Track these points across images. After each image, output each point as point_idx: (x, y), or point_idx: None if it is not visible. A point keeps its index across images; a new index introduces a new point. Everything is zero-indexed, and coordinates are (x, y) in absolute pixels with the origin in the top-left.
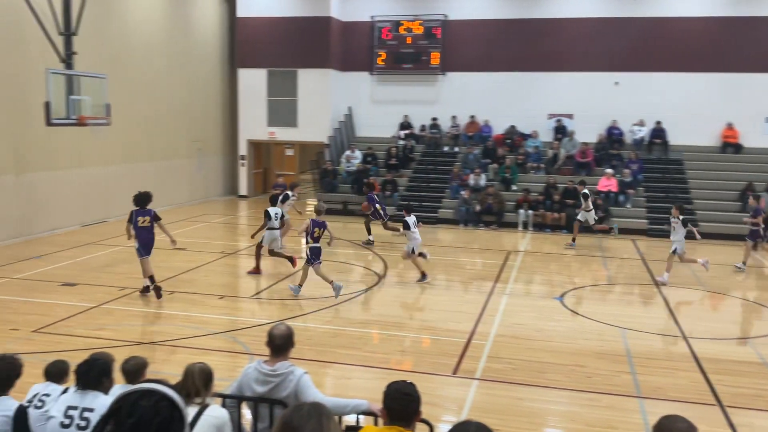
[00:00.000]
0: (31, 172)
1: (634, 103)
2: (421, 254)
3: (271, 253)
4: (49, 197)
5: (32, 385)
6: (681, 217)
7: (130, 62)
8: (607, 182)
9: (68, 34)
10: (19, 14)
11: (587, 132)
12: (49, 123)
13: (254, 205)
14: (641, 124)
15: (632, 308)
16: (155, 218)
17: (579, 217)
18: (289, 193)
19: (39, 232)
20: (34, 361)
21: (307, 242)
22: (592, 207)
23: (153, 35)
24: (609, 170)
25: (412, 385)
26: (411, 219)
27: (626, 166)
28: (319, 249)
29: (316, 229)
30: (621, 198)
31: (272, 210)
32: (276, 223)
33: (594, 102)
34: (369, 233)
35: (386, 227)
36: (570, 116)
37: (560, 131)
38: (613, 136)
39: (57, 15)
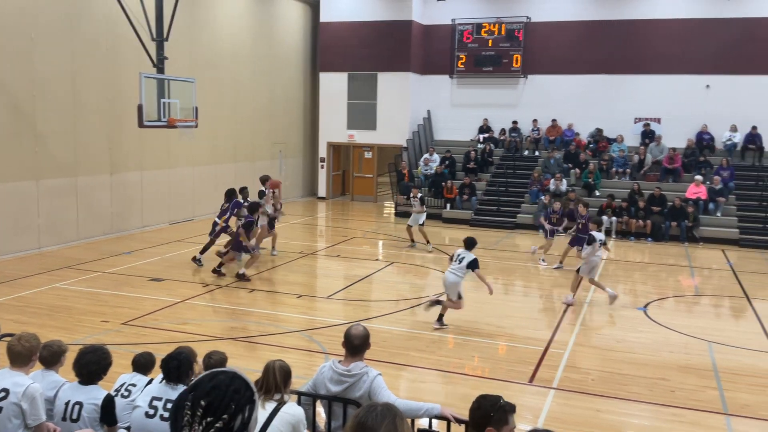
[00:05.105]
0: (123, 172)
1: (726, 108)
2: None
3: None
4: (140, 196)
5: (120, 374)
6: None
7: (217, 67)
8: (696, 189)
9: (160, 39)
10: (116, 21)
11: (676, 137)
12: (141, 125)
13: (333, 206)
14: (734, 129)
15: (720, 321)
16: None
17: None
18: (263, 188)
19: (130, 228)
20: (122, 352)
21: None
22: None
23: (239, 41)
24: (698, 177)
25: (490, 398)
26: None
27: (716, 173)
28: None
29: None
30: (711, 206)
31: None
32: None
33: (683, 106)
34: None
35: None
36: (657, 120)
37: (647, 136)
38: (703, 142)
39: (150, 22)
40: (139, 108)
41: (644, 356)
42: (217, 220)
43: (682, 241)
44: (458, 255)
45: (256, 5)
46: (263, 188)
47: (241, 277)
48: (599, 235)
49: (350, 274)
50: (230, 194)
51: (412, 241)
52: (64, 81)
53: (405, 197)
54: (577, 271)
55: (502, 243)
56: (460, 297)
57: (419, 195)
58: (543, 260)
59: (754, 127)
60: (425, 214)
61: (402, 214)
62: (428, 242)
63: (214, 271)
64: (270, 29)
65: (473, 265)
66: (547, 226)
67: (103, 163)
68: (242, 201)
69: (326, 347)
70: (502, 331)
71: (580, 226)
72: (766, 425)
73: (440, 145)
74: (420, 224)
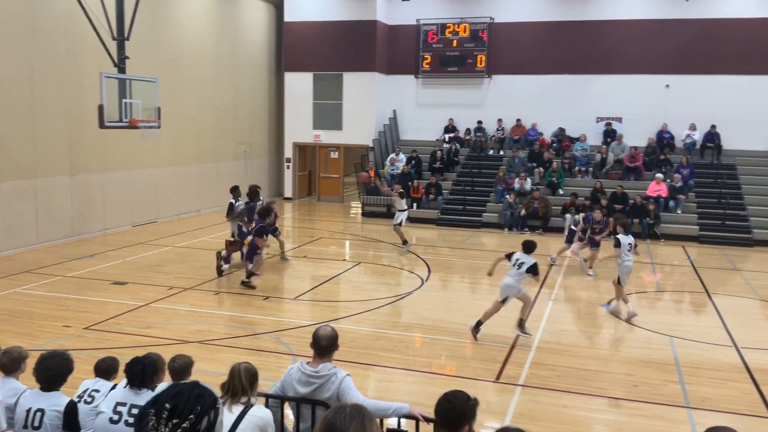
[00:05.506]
0: (84, 174)
1: (686, 107)
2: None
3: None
4: (102, 198)
5: (82, 380)
6: None
7: (180, 66)
8: (657, 187)
9: (121, 39)
10: (75, 20)
11: (637, 136)
12: (102, 125)
13: (299, 207)
14: (693, 128)
15: (681, 316)
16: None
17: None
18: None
19: (92, 231)
20: (85, 358)
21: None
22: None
23: (202, 40)
24: (659, 175)
25: (460, 395)
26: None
27: (676, 171)
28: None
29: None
30: (671, 203)
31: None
32: None
33: (644, 105)
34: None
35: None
36: (619, 120)
37: (609, 135)
38: (663, 140)
39: (111, 21)
40: (100, 108)
41: (608, 352)
42: (240, 223)
43: (644, 238)
44: (517, 259)
45: (218, 4)
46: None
47: (220, 274)
48: (626, 239)
49: (317, 274)
50: (253, 194)
51: (404, 241)
52: (21, 81)
53: (391, 188)
54: (618, 282)
55: (468, 242)
56: (504, 302)
57: (400, 190)
58: (590, 269)
59: (713, 126)
60: (406, 213)
61: (368, 214)
62: (405, 242)
63: (243, 283)
64: (233, 29)
65: (533, 270)
66: (581, 235)
67: (63, 165)
68: (234, 201)
69: (294, 349)
70: (469, 330)
71: (597, 229)
72: (727, 417)
73: (406, 145)
74: (396, 223)
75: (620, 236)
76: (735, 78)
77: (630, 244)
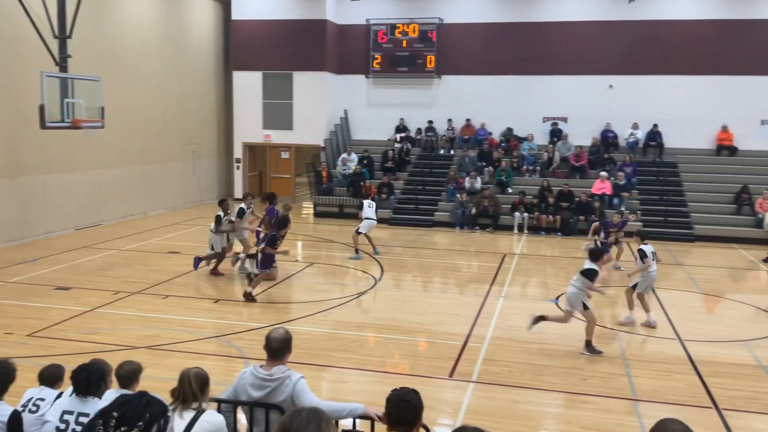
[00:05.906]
0: (26, 176)
1: (629, 106)
2: None
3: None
4: (44, 200)
5: (26, 389)
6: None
7: (125, 65)
8: (601, 185)
9: (63, 37)
10: (14, 18)
11: (582, 135)
12: (43, 126)
13: None
14: (636, 127)
15: (627, 310)
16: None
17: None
18: (243, 206)
19: (33, 235)
20: (28, 365)
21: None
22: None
23: (147, 38)
24: (603, 173)
25: (414, 392)
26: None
27: (620, 169)
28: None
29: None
30: (615, 201)
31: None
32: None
33: (588, 105)
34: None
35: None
36: (564, 119)
37: (555, 134)
38: (607, 139)
39: (52, 18)
40: (41, 108)
41: (557, 347)
42: (258, 228)
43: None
44: (581, 268)
45: (164, 1)
46: (243, 206)
47: (248, 297)
48: (649, 248)
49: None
50: (270, 198)
51: (374, 247)
52: None
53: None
54: (633, 287)
55: (420, 241)
56: (586, 308)
57: (364, 199)
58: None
59: (655, 125)
60: (372, 221)
61: (320, 214)
62: (357, 251)
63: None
64: (179, 26)
65: (586, 274)
66: (607, 239)
67: (4, 167)
68: (222, 214)
69: (246, 352)
70: (422, 328)
71: (615, 231)
72: (673, 408)
73: (358, 145)
74: (359, 230)
75: (644, 247)
76: (676, 78)
77: (653, 252)
